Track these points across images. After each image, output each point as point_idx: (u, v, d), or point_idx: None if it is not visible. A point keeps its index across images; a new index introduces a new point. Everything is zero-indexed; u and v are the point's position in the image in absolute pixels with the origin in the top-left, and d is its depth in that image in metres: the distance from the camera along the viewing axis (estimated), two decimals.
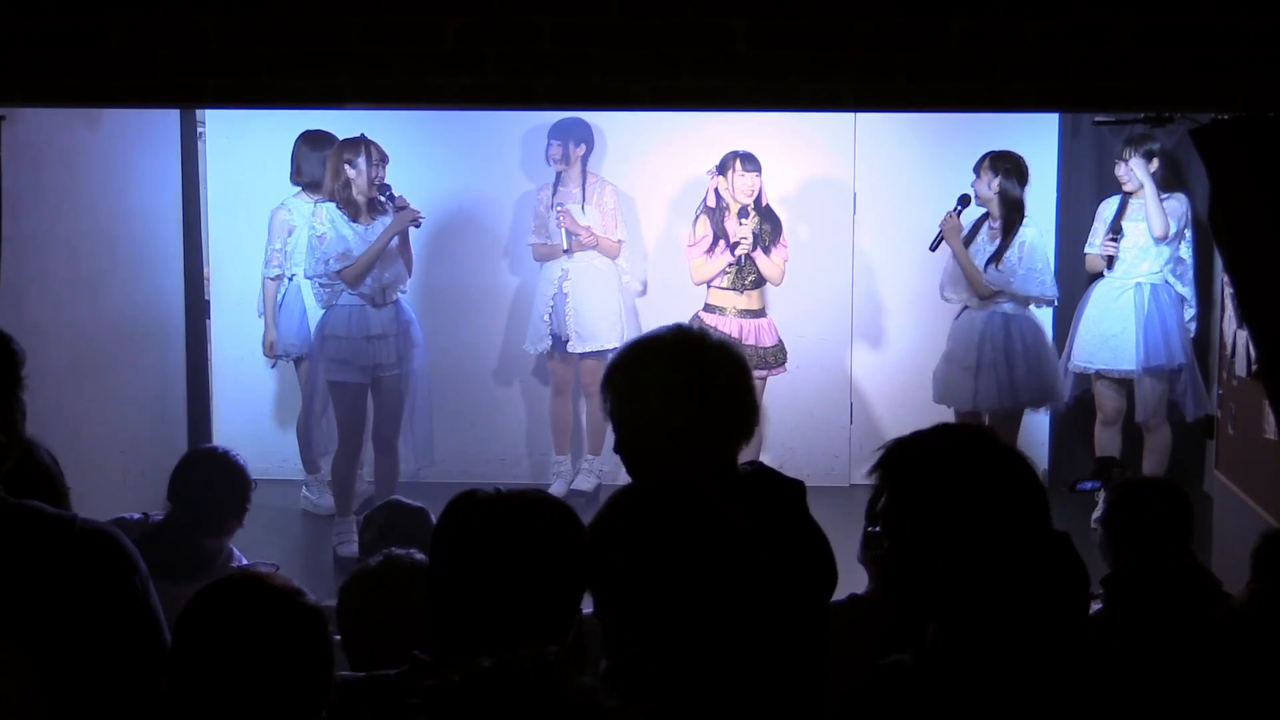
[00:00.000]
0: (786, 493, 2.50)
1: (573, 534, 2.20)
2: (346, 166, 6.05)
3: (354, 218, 6.08)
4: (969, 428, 2.28)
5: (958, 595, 2.05)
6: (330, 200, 6.10)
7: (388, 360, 6.20)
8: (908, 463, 2.09)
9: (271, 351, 6.73)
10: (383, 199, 6.07)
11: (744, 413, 2.47)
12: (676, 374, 2.43)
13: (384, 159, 6.09)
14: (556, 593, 2.16)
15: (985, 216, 6.33)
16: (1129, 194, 6.52)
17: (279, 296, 6.69)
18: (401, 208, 6.08)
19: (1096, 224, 6.68)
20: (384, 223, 6.11)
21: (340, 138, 6.22)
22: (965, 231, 6.31)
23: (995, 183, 6.20)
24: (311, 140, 6.52)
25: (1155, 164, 6.47)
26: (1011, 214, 6.22)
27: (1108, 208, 6.65)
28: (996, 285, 6.22)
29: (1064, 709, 2.01)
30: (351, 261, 6.05)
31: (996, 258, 6.19)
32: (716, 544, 2.08)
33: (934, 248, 6.35)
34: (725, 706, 2.09)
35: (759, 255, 6.44)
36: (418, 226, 6.19)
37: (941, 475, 2.06)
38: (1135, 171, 6.40)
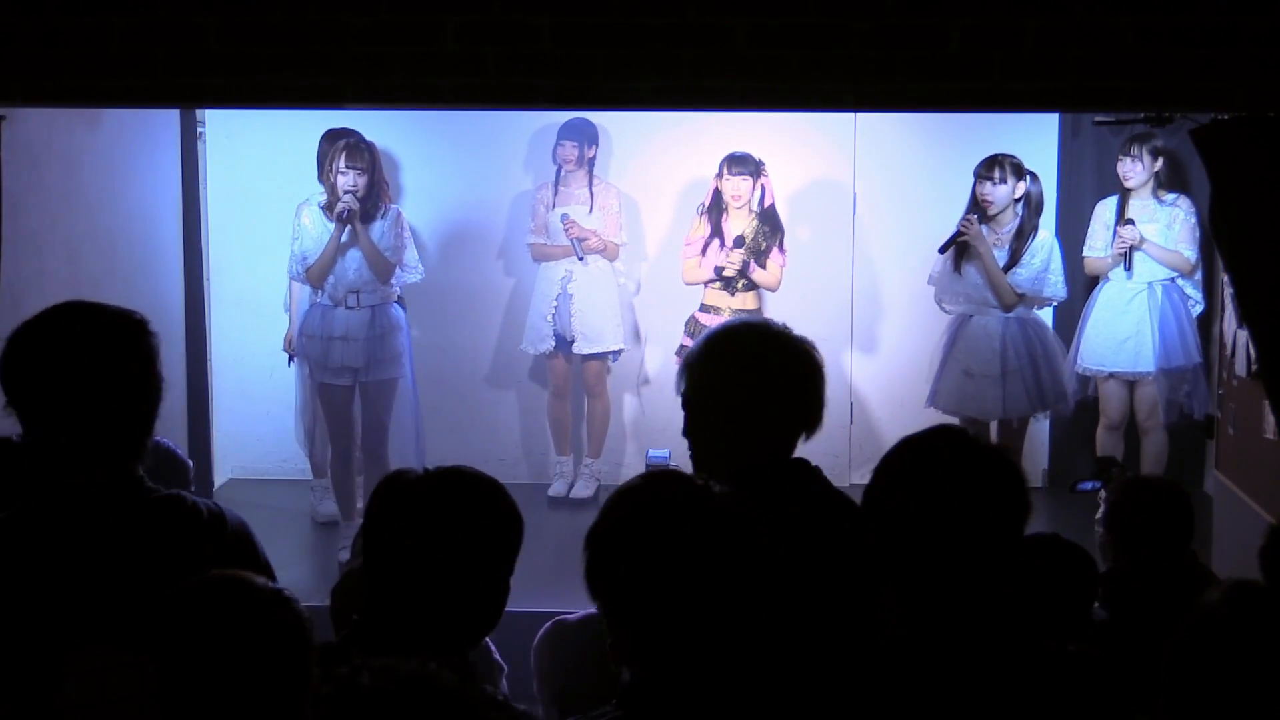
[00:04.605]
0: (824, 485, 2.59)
1: (499, 510, 2.22)
2: (331, 168, 6.05)
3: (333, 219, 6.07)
4: (954, 429, 2.28)
5: (932, 594, 2.07)
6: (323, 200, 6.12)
7: (356, 363, 6.17)
8: (892, 463, 2.15)
9: (288, 346, 6.68)
10: (344, 212, 5.96)
11: (810, 410, 2.57)
12: (755, 364, 2.54)
13: (358, 168, 5.99)
14: (484, 570, 2.18)
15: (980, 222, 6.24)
16: (1128, 191, 6.48)
17: (301, 293, 6.65)
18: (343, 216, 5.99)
19: (1095, 226, 6.61)
20: (370, 228, 6.08)
21: (356, 136, 6.23)
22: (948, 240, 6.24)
23: (1020, 187, 6.10)
24: (331, 138, 6.48)
25: (1160, 163, 6.45)
26: (1033, 217, 6.16)
27: (1105, 209, 6.60)
28: (1023, 290, 6.13)
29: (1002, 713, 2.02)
30: (310, 263, 6.09)
31: (1013, 264, 6.13)
32: (728, 536, 1.99)
33: (944, 250, 6.19)
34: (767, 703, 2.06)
35: (754, 269, 6.47)
36: (344, 218, 6.00)
37: (922, 474, 2.10)
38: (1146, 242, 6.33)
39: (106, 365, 2.41)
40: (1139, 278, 6.43)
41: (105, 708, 2.28)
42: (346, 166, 5.97)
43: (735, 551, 1.97)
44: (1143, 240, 6.36)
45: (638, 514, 2.00)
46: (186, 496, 2.48)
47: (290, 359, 6.68)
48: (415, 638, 2.15)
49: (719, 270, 6.48)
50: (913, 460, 2.15)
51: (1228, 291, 5.56)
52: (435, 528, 2.17)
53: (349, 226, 6.00)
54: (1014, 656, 2.07)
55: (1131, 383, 6.54)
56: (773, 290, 6.59)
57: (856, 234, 7.40)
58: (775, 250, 6.51)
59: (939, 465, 2.11)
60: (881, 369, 7.43)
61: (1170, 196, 6.48)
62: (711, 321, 6.39)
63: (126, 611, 2.31)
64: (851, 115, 7.09)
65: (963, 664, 2.04)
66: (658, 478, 2.06)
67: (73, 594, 2.32)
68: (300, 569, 6.20)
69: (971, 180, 6.18)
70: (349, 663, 1.85)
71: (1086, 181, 7.10)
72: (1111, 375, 6.53)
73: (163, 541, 2.37)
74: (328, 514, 6.71)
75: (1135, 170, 6.41)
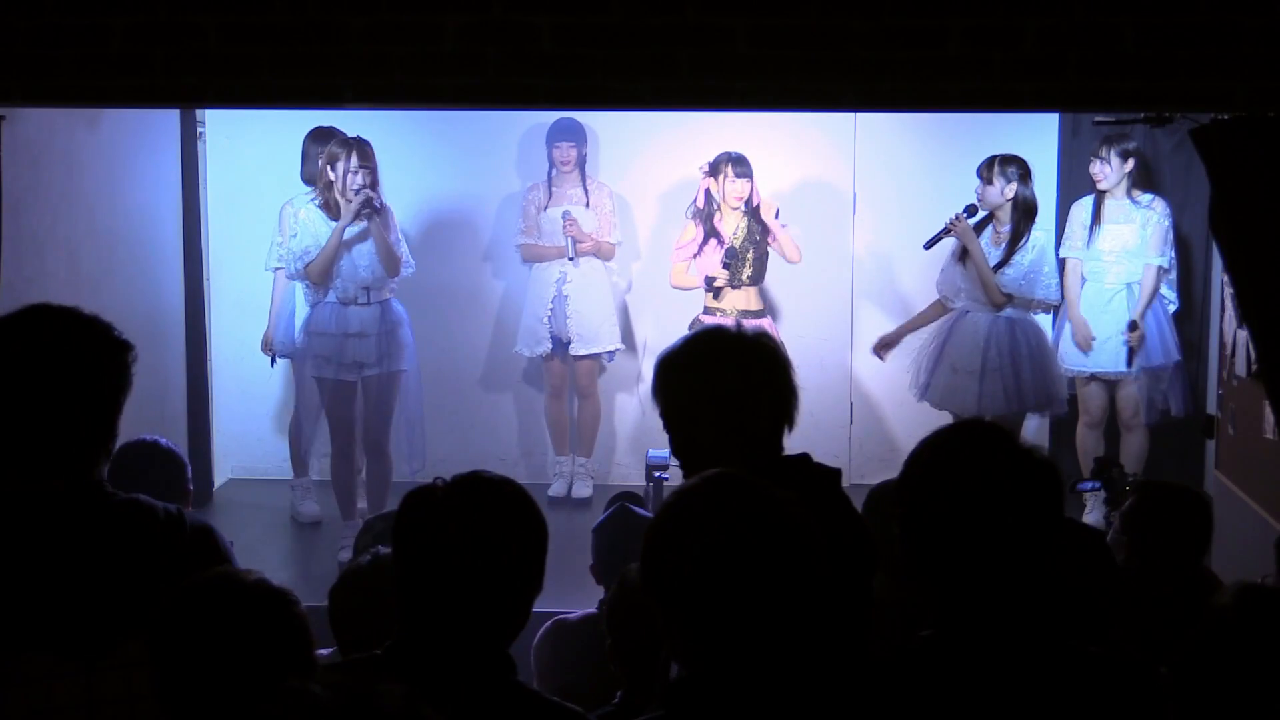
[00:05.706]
0: (826, 479, 2.63)
1: (525, 510, 2.21)
2: (329, 168, 6.06)
3: (334, 217, 6.06)
4: (988, 425, 2.26)
5: (962, 594, 2.05)
6: (315, 199, 6.12)
7: (369, 359, 6.18)
8: (923, 458, 2.12)
9: (266, 348, 6.71)
10: (362, 210, 5.98)
11: (783, 398, 2.64)
12: (716, 367, 2.57)
13: (368, 167, 6.01)
14: (520, 569, 2.18)
15: (987, 221, 6.28)
16: (1103, 193, 6.50)
17: (283, 293, 6.64)
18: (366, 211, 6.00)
19: (1071, 226, 6.63)
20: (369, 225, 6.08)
21: (344, 135, 6.22)
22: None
23: (1010, 188, 6.15)
24: (317, 137, 6.49)
25: (1130, 164, 6.47)
26: (1025, 219, 6.19)
27: (1081, 209, 6.60)
28: (1009, 290, 6.18)
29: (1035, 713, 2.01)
30: (311, 259, 6.07)
31: (1003, 263, 6.16)
32: (791, 541, 1.97)
33: (929, 246, 6.27)
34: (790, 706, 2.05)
35: (775, 242, 6.50)
36: (367, 214, 6.01)
37: (956, 471, 2.07)
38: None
39: (64, 371, 2.37)
40: (1117, 279, 6.47)
41: (50, 717, 2.28)
42: (359, 166, 6.02)
43: (796, 555, 1.96)
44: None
45: (701, 513, 1.97)
46: (144, 500, 2.44)
47: (272, 360, 6.68)
48: (455, 644, 2.14)
49: (709, 280, 6.47)
50: (943, 457, 2.11)
51: (1228, 291, 5.56)
52: (471, 537, 2.15)
53: (356, 223, 6.02)
54: (1042, 659, 2.04)
55: (1112, 383, 6.56)
56: (794, 259, 6.56)
57: (857, 233, 7.40)
58: (772, 238, 6.49)
59: (971, 463, 2.08)
60: (881, 369, 7.41)
61: (1146, 198, 6.51)
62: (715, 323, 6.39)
63: (81, 618, 2.31)
64: (851, 115, 7.09)
65: (991, 665, 2.02)
66: (720, 478, 2.04)
67: (27, 601, 2.31)
68: (300, 569, 6.20)
69: (975, 183, 6.26)
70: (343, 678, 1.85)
71: (1086, 181, 7.09)
72: (1093, 376, 6.55)
73: (121, 546, 2.35)
74: (310, 515, 6.73)
75: (1105, 173, 6.46)
